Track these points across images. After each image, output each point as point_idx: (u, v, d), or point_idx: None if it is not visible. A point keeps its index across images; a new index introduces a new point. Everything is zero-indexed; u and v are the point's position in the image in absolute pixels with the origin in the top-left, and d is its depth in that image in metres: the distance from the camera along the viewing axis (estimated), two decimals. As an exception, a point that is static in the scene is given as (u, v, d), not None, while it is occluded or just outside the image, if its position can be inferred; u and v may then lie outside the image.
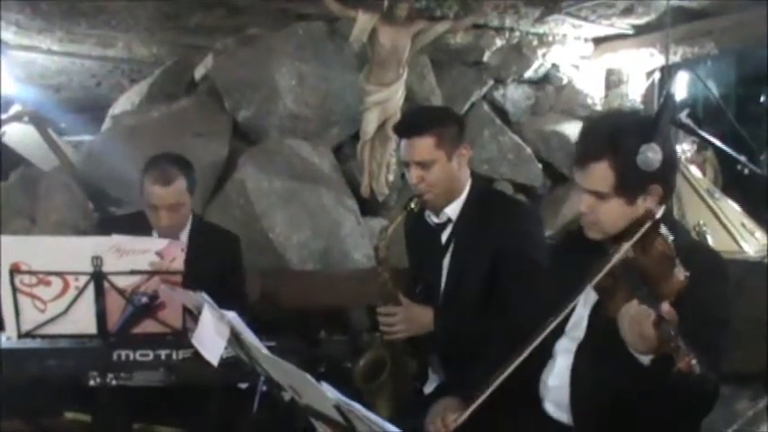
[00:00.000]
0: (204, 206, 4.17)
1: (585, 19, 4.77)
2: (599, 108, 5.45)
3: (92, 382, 2.26)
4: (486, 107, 5.21)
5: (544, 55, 5.19)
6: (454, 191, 2.46)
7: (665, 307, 1.45)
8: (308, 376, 1.39)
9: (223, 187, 4.30)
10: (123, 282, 2.30)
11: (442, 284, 2.48)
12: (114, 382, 2.26)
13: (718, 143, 2.75)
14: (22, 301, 2.28)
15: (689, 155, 4.75)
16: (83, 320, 2.30)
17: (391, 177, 4.53)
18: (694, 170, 4.16)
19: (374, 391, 2.50)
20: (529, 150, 5.21)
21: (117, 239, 2.30)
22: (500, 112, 5.27)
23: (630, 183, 1.81)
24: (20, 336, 2.30)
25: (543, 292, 2.02)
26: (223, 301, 1.84)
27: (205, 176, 3.94)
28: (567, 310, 1.83)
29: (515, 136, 5.22)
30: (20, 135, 5.23)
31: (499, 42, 4.99)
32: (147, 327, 2.33)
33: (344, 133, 4.72)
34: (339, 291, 3.96)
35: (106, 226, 2.85)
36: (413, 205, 2.41)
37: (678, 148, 4.05)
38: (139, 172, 2.72)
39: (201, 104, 4.67)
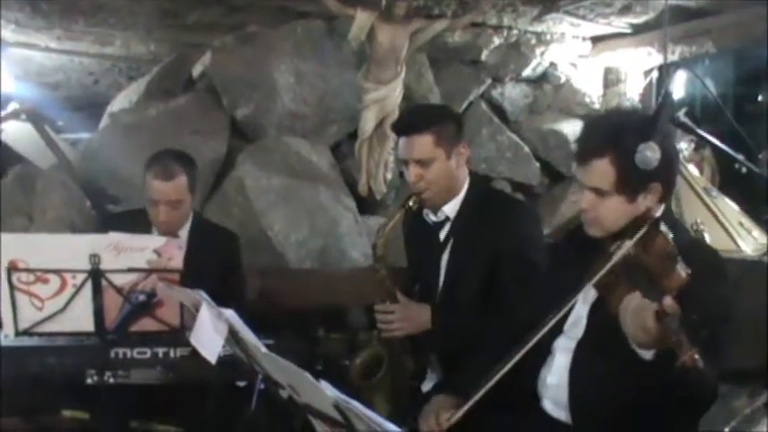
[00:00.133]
0: (203, 204, 4.17)
1: (584, 18, 4.77)
2: (597, 107, 5.44)
3: (89, 380, 2.26)
4: (484, 106, 5.20)
5: (542, 54, 5.18)
6: (452, 189, 2.46)
7: (668, 300, 1.44)
8: (307, 374, 1.38)
9: (221, 185, 4.30)
10: (121, 279, 2.30)
11: (440, 282, 2.48)
12: (112, 380, 2.27)
13: (716, 142, 2.75)
14: (19, 299, 2.29)
15: (686, 153, 4.74)
16: (80, 318, 2.31)
17: (389, 176, 4.53)
18: (692, 169, 4.15)
19: (371, 389, 2.50)
20: (527, 149, 5.19)
21: (115, 237, 2.30)
22: (498, 110, 5.25)
23: (631, 180, 1.81)
24: (17, 334, 2.31)
25: (541, 290, 2.02)
26: (221, 300, 1.84)
27: (203, 174, 3.91)
28: (565, 309, 1.83)
29: (513, 135, 5.20)
30: (17, 133, 5.21)
31: (497, 41, 4.98)
32: (145, 325, 2.34)
33: (343, 131, 4.72)
34: (337, 289, 3.95)
35: (106, 223, 2.84)
36: (411, 203, 2.41)
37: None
38: (137, 170, 2.72)
39: (200, 102, 4.65)
